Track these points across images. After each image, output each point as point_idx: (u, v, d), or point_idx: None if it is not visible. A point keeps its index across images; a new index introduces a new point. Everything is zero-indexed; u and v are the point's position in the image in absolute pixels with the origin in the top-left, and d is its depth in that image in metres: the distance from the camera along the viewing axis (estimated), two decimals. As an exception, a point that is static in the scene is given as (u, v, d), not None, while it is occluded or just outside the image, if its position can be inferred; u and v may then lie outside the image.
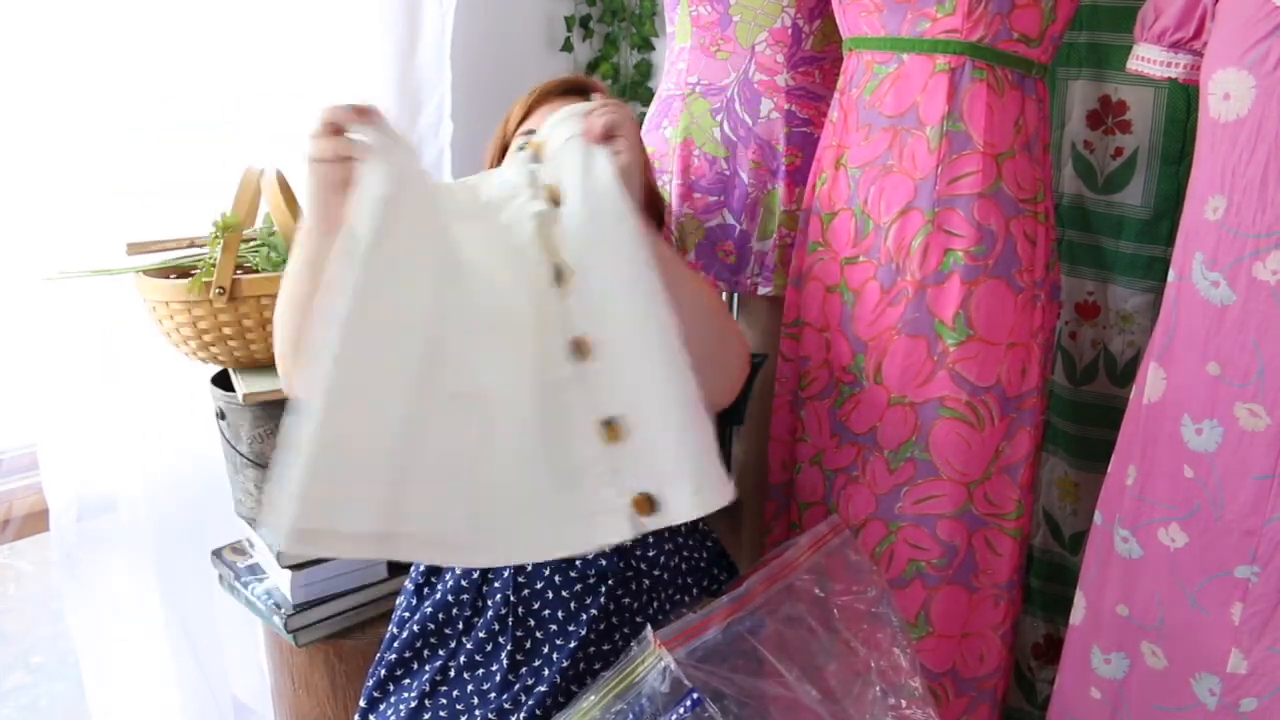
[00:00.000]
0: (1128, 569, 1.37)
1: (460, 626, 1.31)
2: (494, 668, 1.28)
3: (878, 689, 1.25)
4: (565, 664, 1.25)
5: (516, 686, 1.26)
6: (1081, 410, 1.81)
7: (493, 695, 1.27)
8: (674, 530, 1.35)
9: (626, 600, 1.30)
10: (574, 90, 1.39)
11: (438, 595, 1.34)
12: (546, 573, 1.30)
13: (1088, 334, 1.79)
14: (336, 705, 1.61)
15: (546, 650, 1.27)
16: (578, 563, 1.30)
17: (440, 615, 1.32)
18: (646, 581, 1.32)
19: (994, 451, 1.47)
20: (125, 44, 1.68)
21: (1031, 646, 1.92)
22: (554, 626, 1.28)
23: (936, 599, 1.49)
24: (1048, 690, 1.82)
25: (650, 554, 1.33)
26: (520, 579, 1.30)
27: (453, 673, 1.30)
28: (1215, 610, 1.28)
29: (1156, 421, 1.33)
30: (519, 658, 1.27)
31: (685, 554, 1.38)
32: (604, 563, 1.29)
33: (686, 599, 1.35)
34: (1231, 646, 1.27)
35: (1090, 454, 1.79)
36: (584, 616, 1.28)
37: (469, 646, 1.29)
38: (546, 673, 1.26)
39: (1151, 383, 1.34)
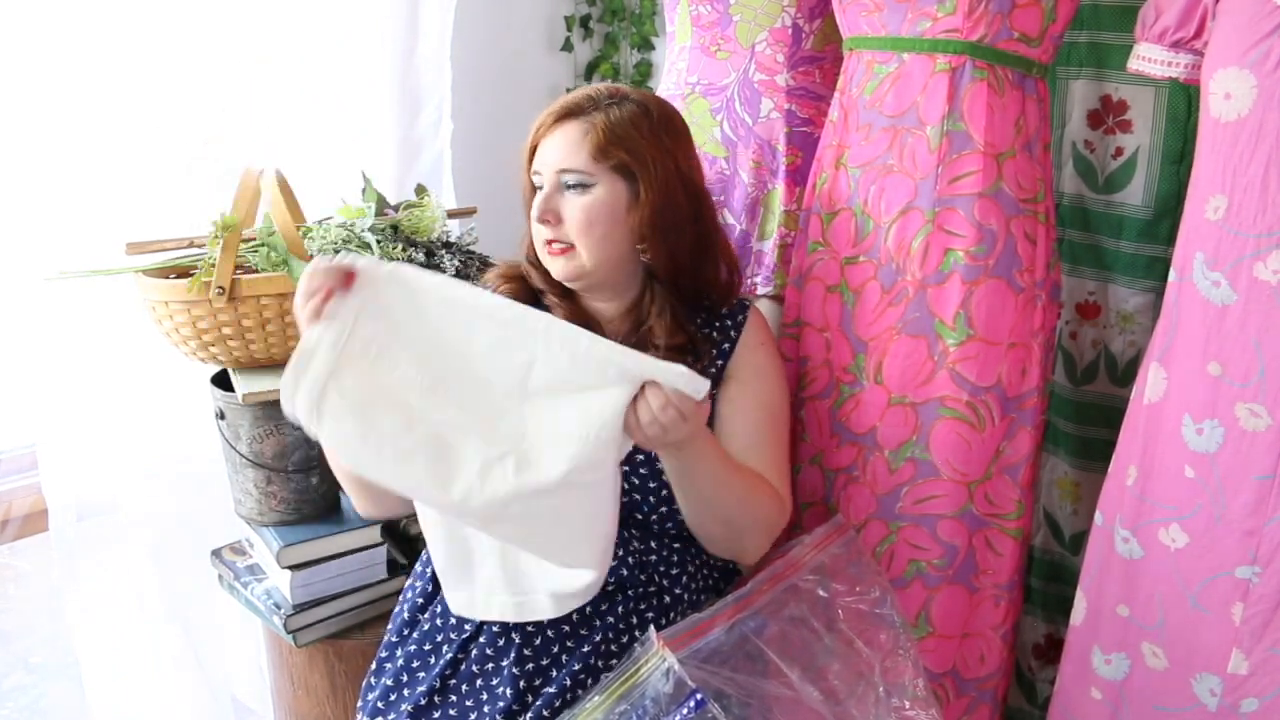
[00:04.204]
0: (1128, 569, 1.36)
1: (478, 620, 1.31)
2: (504, 662, 1.28)
3: (880, 689, 1.25)
4: (577, 667, 1.25)
5: (524, 685, 1.26)
6: (1082, 410, 1.81)
7: (501, 690, 1.27)
8: (699, 550, 1.36)
9: (650, 615, 1.30)
10: (570, 114, 1.33)
11: None
12: None
13: (1088, 334, 1.79)
14: (336, 705, 1.61)
15: (556, 650, 1.27)
16: None
17: None
18: (667, 598, 1.32)
19: (994, 451, 1.46)
20: (126, 43, 1.68)
21: (1032, 647, 1.91)
22: (566, 627, 1.28)
23: (937, 599, 1.49)
24: (1048, 691, 1.82)
25: (673, 571, 1.34)
26: None
27: (464, 666, 1.30)
28: (1216, 610, 1.28)
29: (1157, 421, 1.32)
30: (527, 653, 1.27)
31: (705, 573, 1.38)
32: (625, 573, 1.29)
33: None
34: (1232, 647, 1.27)
35: (1091, 454, 1.79)
36: (598, 623, 1.28)
37: (482, 640, 1.30)
38: (556, 674, 1.26)
39: (1152, 383, 1.34)
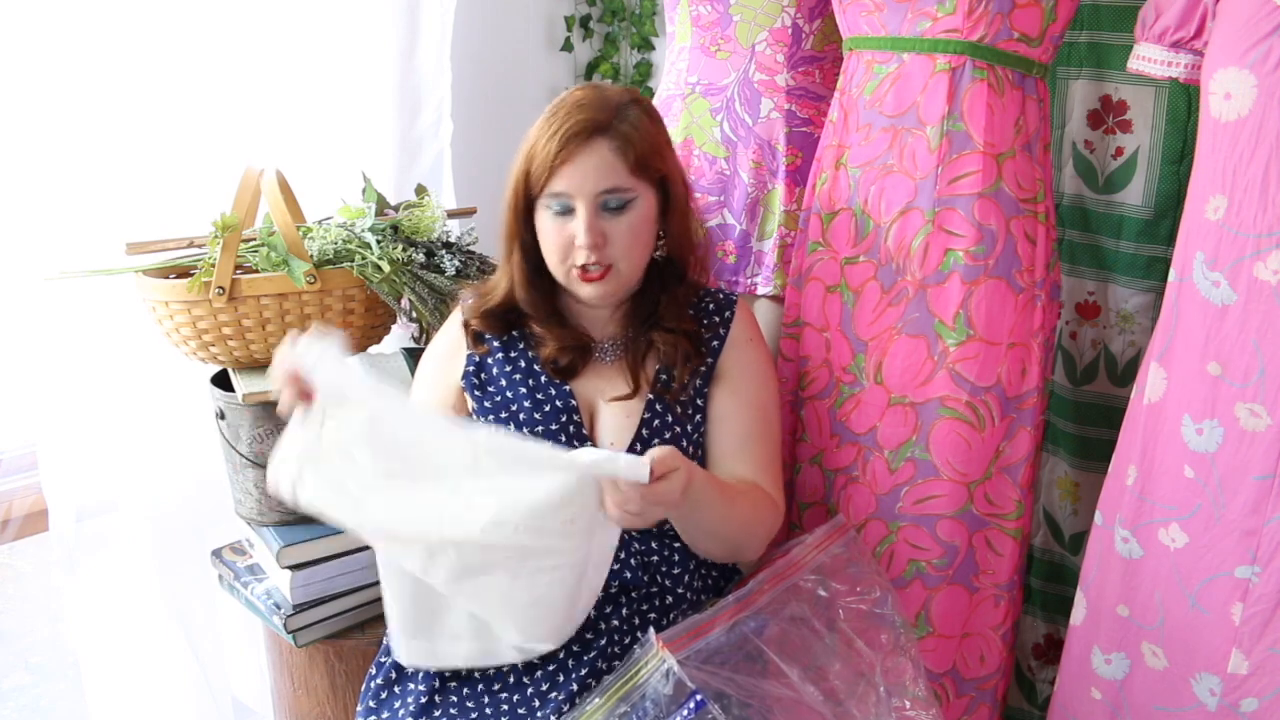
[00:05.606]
0: (1128, 569, 1.37)
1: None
2: (507, 670, 1.27)
3: (881, 689, 1.25)
4: (584, 672, 1.25)
5: (530, 690, 1.26)
6: (1082, 410, 1.81)
7: (504, 695, 1.26)
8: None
9: (653, 616, 1.30)
10: (597, 130, 1.25)
11: None
12: None
13: (1088, 334, 1.79)
14: (336, 705, 1.61)
15: (562, 656, 1.26)
16: None
17: None
18: (669, 598, 1.32)
19: (994, 451, 1.46)
20: (126, 43, 1.68)
21: (1032, 646, 1.92)
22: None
23: (937, 599, 1.49)
24: (1048, 690, 1.82)
25: (675, 571, 1.33)
26: None
27: (464, 670, 1.29)
28: (1216, 610, 1.28)
29: (1157, 421, 1.32)
30: (534, 661, 1.26)
31: (705, 571, 1.38)
32: (628, 575, 1.29)
33: None
34: (1232, 647, 1.27)
35: (1091, 454, 1.79)
36: (603, 626, 1.27)
37: None
38: (563, 679, 1.25)
39: (1152, 383, 1.34)
